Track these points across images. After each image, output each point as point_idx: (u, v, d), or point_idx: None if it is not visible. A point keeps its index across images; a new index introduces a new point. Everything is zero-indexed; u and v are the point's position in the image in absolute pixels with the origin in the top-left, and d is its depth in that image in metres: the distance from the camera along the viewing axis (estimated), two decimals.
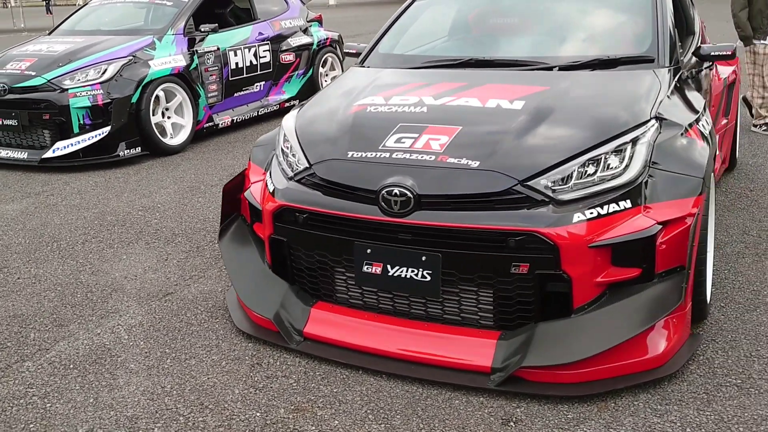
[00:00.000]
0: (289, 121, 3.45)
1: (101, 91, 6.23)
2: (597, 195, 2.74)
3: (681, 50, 3.64)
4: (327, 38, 8.84)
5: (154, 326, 3.37)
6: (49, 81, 6.23)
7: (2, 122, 6.38)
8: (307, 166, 3.10)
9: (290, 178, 3.14)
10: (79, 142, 6.21)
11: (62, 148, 6.21)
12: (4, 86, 6.32)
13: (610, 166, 2.80)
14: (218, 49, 7.33)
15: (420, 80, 3.51)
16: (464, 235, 2.73)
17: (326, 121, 3.29)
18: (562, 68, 3.44)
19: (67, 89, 6.18)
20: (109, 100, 6.23)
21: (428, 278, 2.82)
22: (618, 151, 2.83)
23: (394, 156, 2.91)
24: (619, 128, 2.90)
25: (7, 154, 6.40)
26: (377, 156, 2.94)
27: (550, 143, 2.87)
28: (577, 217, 2.68)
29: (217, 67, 7.29)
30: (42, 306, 3.64)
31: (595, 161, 2.80)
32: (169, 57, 6.74)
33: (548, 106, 3.04)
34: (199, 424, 2.63)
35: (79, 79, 6.25)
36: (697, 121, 3.16)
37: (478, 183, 2.76)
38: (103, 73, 6.31)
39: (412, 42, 4.13)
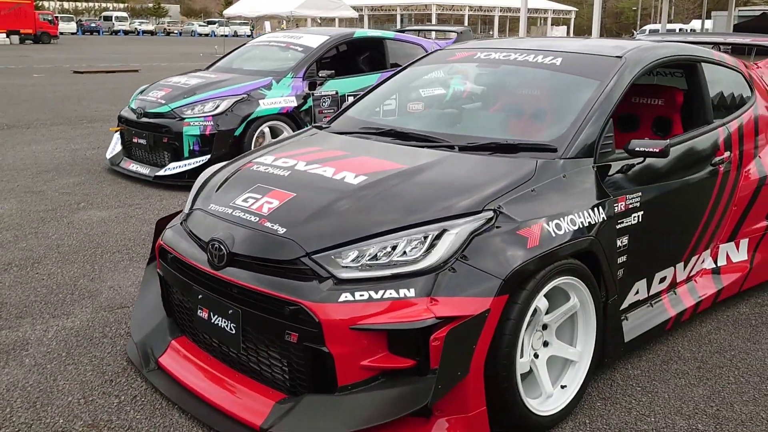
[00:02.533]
0: (208, 170, 3.79)
1: (212, 122, 7.05)
2: (384, 279, 2.73)
3: (609, 143, 3.37)
4: (464, 90, 8.98)
5: (80, 332, 3.89)
6: (172, 110, 7.20)
7: (137, 140, 7.48)
8: (186, 213, 3.43)
9: (180, 222, 3.49)
10: (186, 165, 7.08)
11: (172, 168, 7.13)
12: (141, 110, 7.42)
13: (407, 252, 2.76)
14: (336, 93, 7.86)
15: (319, 146, 3.67)
16: (256, 296, 2.87)
17: (224, 173, 3.58)
18: (462, 148, 3.38)
19: (184, 118, 7.09)
20: (215, 131, 7.03)
21: (233, 331, 2.99)
22: (423, 238, 2.78)
23: (232, 213, 3.13)
24: (432, 215, 2.84)
25: (135, 168, 7.47)
26: (223, 211, 3.18)
27: (356, 220, 2.89)
28: (345, 297, 2.69)
29: (332, 110, 7.82)
30: (27, 299, 4.34)
31: (393, 245, 2.78)
32: (280, 98, 7.41)
33: (383, 185, 3.04)
34: (15, 417, 3.06)
35: (196, 111, 7.13)
36: (552, 219, 2.94)
37: (275, 249, 2.88)
38: (217, 107, 7.14)
39: (379, 108, 4.27)
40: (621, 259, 3.37)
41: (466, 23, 73.13)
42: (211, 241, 3.04)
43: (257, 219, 3.03)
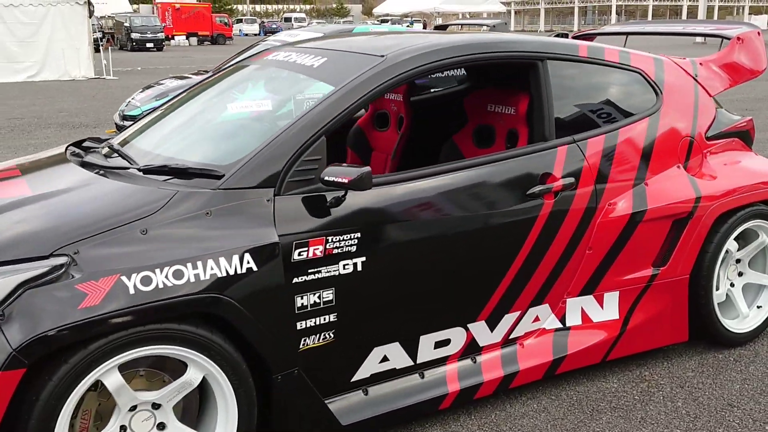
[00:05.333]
0: None
1: None
2: None
3: (310, 168, 2.60)
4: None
5: None
6: (143, 112, 7.02)
7: None
8: None
9: None
10: None
11: None
12: (122, 112, 7.35)
13: None
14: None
15: (17, 164, 3.19)
16: None
17: None
18: (145, 171, 2.74)
19: None
20: None
21: None
22: None
23: None
24: None
25: None
26: None
27: None
28: None
29: None
30: None
31: None
32: (253, 102, 6.98)
33: None
34: None
35: None
36: (141, 271, 2.25)
37: None
38: None
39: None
40: (319, 320, 2.60)
41: (650, 16, 68.60)
42: None
43: None
